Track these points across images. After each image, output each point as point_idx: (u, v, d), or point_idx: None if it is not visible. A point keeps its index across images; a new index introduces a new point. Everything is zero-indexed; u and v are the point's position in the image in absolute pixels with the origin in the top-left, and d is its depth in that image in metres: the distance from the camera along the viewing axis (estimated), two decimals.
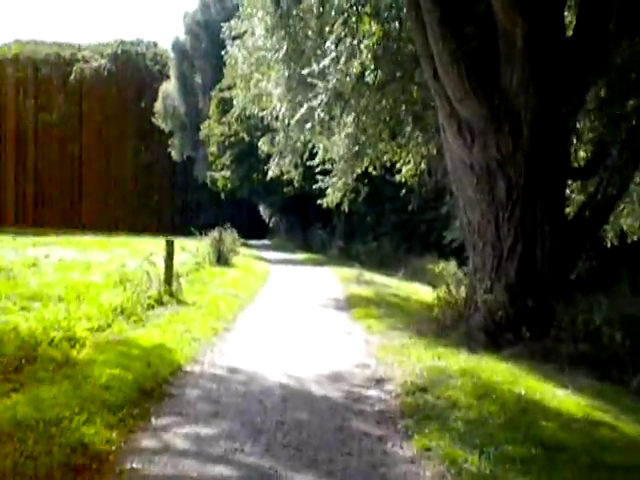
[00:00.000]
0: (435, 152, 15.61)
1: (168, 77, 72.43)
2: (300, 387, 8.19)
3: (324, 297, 18.18)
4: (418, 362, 9.27)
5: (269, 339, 11.33)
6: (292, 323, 13.26)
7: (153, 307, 13.79)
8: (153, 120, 70.35)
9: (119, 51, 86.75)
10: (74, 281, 15.81)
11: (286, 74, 16.21)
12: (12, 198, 79.22)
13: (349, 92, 15.04)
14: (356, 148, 18.27)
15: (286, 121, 18.30)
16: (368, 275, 24.19)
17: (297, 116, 16.83)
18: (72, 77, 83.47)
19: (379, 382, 8.47)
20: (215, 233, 26.09)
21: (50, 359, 8.23)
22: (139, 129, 79.98)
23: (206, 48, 64.38)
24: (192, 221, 38.08)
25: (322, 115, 15.62)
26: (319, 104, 15.14)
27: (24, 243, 32.42)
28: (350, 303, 17.00)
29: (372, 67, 14.68)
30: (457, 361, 9.28)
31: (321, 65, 14.41)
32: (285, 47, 15.56)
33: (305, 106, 15.52)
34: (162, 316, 12.79)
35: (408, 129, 16.12)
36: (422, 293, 21.31)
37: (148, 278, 15.16)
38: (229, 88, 35.99)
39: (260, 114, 20.29)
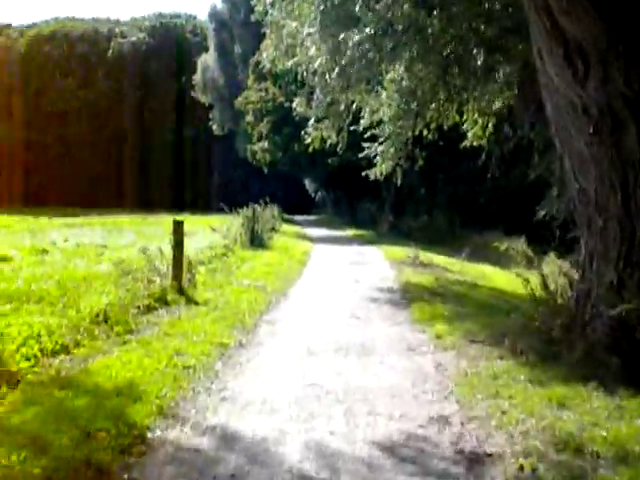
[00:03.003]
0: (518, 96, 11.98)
1: (208, 50, 69.71)
2: None
3: (374, 287, 14.76)
4: (529, 415, 5.77)
5: (296, 365, 7.88)
6: (331, 332, 9.79)
7: (154, 309, 10.66)
8: (193, 94, 67.93)
9: (157, 25, 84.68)
10: (73, 272, 13.12)
11: (321, 7, 12.74)
12: (55, 177, 77.20)
13: (403, 18, 11.41)
14: (412, 105, 14.85)
15: (325, 75, 14.90)
16: (424, 255, 20.71)
17: (337, 63, 13.46)
18: (110, 53, 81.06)
19: (473, 464, 4.92)
20: (248, 211, 22.78)
21: None
22: (180, 103, 77.54)
23: (245, 16, 61.00)
24: (236, 197, 35.52)
25: (369, 55, 12.11)
26: (364, 39, 11.62)
27: (56, 224, 31.63)
28: (407, 295, 13.53)
29: None
30: (596, 415, 5.76)
31: None
32: None
33: (347, 44, 12.01)
34: (159, 324, 9.65)
35: (479, 64, 12.39)
36: (493, 278, 17.91)
37: (150, 270, 12.15)
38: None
39: (295, 70, 16.93)
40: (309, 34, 14.02)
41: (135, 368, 7.07)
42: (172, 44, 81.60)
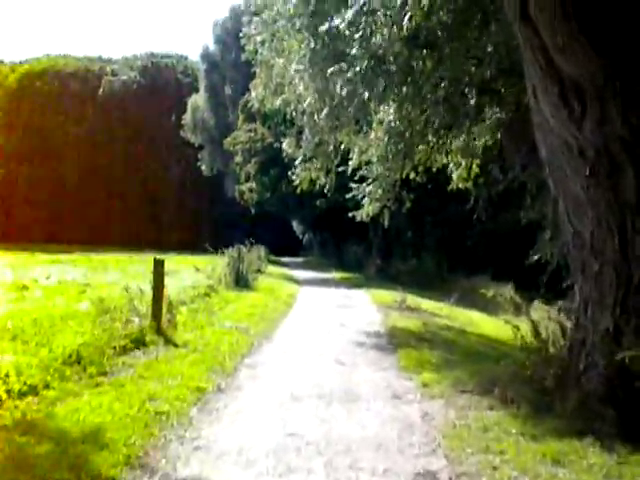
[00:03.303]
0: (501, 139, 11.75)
1: (198, 90, 69.91)
2: None
3: (361, 331, 14.36)
4: (522, 472, 5.40)
5: (277, 411, 7.44)
6: (315, 377, 9.37)
7: (131, 349, 10.24)
8: (182, 134, 67.92)
9: (149, 64, 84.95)
10: (51, 310, 12.84)
11: (311, 44, 12.54)
12: (40, 215, 76.59)
13: (395, 56, 11.17)
14: (400, 146, 14.64)
15: (314, 115, 14.70)
16: (411, 299, 20.36)
17: (326, 102, 13.27)
18: (101, 91, 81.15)
19: None
20: (233, 251, 22.43)
21: None
22: (169, 143, 77.32)
23: (236, 57, 61.36)
24: (223, 238, 35.25)
25: (359, 93, 11.87)
26: (354, 77, 11.38)
27: (41, 260, 31.28)
28: (394, 340, 13.14)
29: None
30: (593, 474, 5.38)
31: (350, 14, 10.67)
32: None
33: (336, 82, 11.77)
34: (135, 365, 9.22)
35: (470, 105, 12.16)
36: (481, 324, 17.58)
37: (129, 310, 11.78)
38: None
39: (284, 110, 16.76)
40: (298, 72, 13.84)
41: (105, 413, 6.66)
42: (163, 84, 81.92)
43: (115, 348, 9.97)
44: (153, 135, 78.88)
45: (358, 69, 11.36)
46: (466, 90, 12.17)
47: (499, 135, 13.41)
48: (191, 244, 61.73)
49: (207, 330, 12.66)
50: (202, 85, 68.51)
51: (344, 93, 12.41)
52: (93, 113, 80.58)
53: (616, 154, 7.29)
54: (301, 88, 14.19)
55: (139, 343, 10.66)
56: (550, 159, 8.17)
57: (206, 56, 68.95)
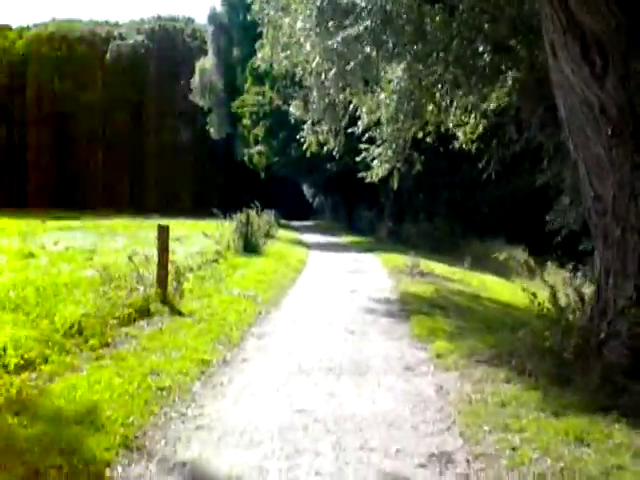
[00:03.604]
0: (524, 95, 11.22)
1: (206, 53, 69.02)
2: None
3: (372, 297, 14.03)
4: (544, 453, 5.04)
5: (284, 386, 7.11)
6: (324, 348, 9.04)
7: (135, 319, 9.91)
8: (190, 97, 67.22)
9: (156, 27, 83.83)
10: (56, 278, 12.41)
11: (317, 1, 12.04)
12: (51, 180, 76.33)
13: (405, 11, 10.65)
14: (410, 105, 14.19)
15: (321, 75, 14.22)
16: (423, 263, 19.97)
17: (334, 62, 12.79)
18: (108, 55, 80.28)
19: None
20: (241, 215, 22.04)
21: None
22: (178, 107, 76.42)
23: (244, 19, 60.39)
24: (233, 202, 34.83)
25: (367, 52, 11.38)
26: (362, 34, 10.88)
27: (50, 227, 31.01)
28: (406, 307, 12.81)
29: None
30: (620, 456, 5.00)
31: None
32: None
33: (341, 35, 11.26)
34: (138, 337, 8.92)
35: (485, 64, 11.63)
36: (495, 289, 17.22)
37: (135, 277, 11.45)
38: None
39: (291, 71, 16.30)
40: (304, 30, 13.33)
41: (103, 389, 6.36)
42: (171, 47, 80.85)
43: (119, 318, 9.68)
44: (162, 99, 77.95)
45: (366, 25, 10.85)
46: (480, 49, 11.63)
47: (514, 96, 12.95)
48: (201, 209, 61.55)
49: (214, 298, 12.35)
50: (210, 48, 67.38)
51: (352, 51, 11.93)
52: (101, 77, 79.64)
53: None
54: (308, 47, 13.67)
55: (144, 313, 10.36)
56: (570, 119, 7.72)
57: (213, 18, 67.80)
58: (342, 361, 8.27)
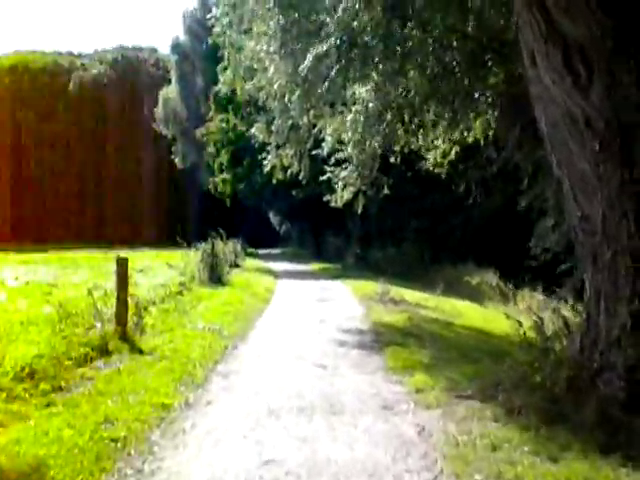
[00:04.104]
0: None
1: (170, 82, 68.69)
2: None
3: (342, 328, 13.42)
4: None
5: (252, 431, 6.43)
6: (295, 385, 8.39)
7: (91, 360, 9.24)
8: (154, 126, 66.67)
9: (119, 58, 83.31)
10: (12, 315, 11.82)
11: (281, 21, 11.54)
12: (14, 213, 74.99)
13: (372, 26, 10.14)
14: (378, 126, 13.77)
15: (285, 97, 13.74)
16: (394, 290, 19.44)
17: (298, 84, 12.30)
18: (71, 86, 79.47)
19: None
20: (206, 245, 21.41)
21: None
22: (142, 137, 75.78)
23: (207, 48, 60.27)
24: (199, 232, 34.20)
25: (333, 70, 10.87)
26: (327, 52, 10.37)
27: (12, 260, 30.17)
28: (379, 338, 12.21)
29: None
30: None
31: None
32: None
33: (309, 57, 10.73)
34: (94, 379, 8.24)
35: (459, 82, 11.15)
36: (469, 315, 16.74)
37: (94, 313, 10.81)
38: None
39: (254, 94, 15.78)
40: (268, 53, 12.85)
41: (51, 442, 5.70)
42: (134, 77, 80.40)
43: (74, 358, 9.00)
44: (125, 129, 77.33)
45: (331, 43, 10.34)
46: (453, 64, 11.18)
47: (489, 115, 12.55)
48: (167, 239, 60.78)
49: (178, 332, 11.69)
50: (173, 77, 67.28)
51: (317, 73, 11.43)
52: (64, 109, 78.78)
53: (629, 124, 6.40)
54: (271, 70, 13.19)
55: (102, 351, 9.67)
56: (552, 134, 7.25)
57: (177, 47, 67.72)
58: (314, 399, 7.64)
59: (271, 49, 12.83)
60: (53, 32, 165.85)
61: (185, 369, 8.98)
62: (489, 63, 10.84)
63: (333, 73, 11.02)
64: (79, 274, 21.66)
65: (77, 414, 6.61)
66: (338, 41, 10.30)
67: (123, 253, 29.69)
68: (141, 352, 9.88)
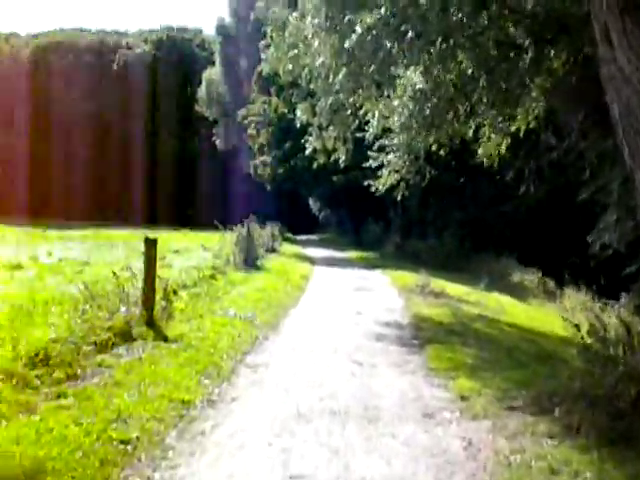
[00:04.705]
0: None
1: (214, 64, 68.34)
2: None
3: (380, 321, 12.76)
4: None
5: (278, 437, 5.79)
6: (328, 384, 7.73)
7: (113, 346, 8.67)
8: (197, 108, 66.41)
9: (164, 37, 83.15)
10: (37, 294, 11.20)
11: None
12: (60, 189, 75.23)
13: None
14: (426, 113, 13.02)
15: (330, 77, 13.02)
16: (434, 282, 18.72)
17: (345, 61, 11.59)
18: (116, 65, 79.53)
19: None
20: (242, 228, 20.83)
21: None
22: (185, 117, 75.99)
23: (252, 30, 59.80)
24: (238, 214, 33.86)
25: (382, 45, 10.08)
26: (375, 25, 9.60)
27: (50, 237, 30.52)
28: (419, 333, 11.49)
29: None
30: None
31: None
32: None
33: (357, 30, 9.97)
34: (115, 367, 7.70)
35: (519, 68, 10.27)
36: (513, 312, 15.96)
37: (118, 296, 10.25)
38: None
39: (298, 74, 15.04)
40: (313, 26, 12.14)
41: (54, 442, 5.13)
42: (179, 57, 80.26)
43: (95, 344, 8.46)
44: (168, 110, 77.13)
45: (382, 14, 9.56)
46: (510, 47, 10.31)
47: (541, 102, 11.71)
48: (207, 221, 60.55)
49: (207, 319, 11.11)
50: (217, 59, 67.24)
51: (365, 49, 10.69)
52: (108, 87, 78.80)
53: None
54: (316, 45, 12.48)
55: (125, 337, 9.12)
56: (625, 120, 6.43)
57: (221, 29, 67.54)
58: (348, 402, 6.97)
59: (316, 22, 12.14)
60: (98, 10, 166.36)
61: (211, 360, 8.40)
62: (549, 44, 9.95)
63: (382, 48, 10.24)
64: (115, 253, 21.28)
65: (88, 408, 6.04)
66: (390, 10, 9.49)
67: (163, 233, 29.68)
68: (166, 339, 9.30)
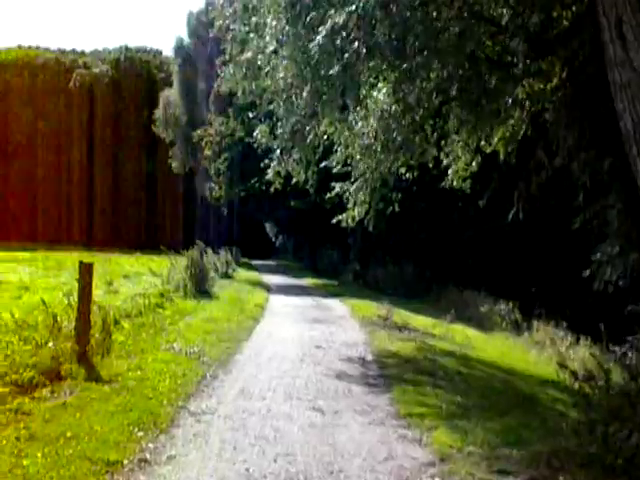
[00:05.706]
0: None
1: (172, 85, 67.38)
2: None
3: (342, 356, 11.72)
4: None
5: None
6: (283, 438, 6.55)
7: (36, 386, 7.51)
8: (154, 129, 65.27)
9: (122, 58, 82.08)
10: None
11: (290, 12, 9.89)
12: (12, 211, 73.39)
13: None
14: (393, 135, 12.21)
15: (293, 97, 12.09)
16: (397, 313, 17.83)
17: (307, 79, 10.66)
18: (72, 84, 78.04)
19: None
20: (193, 252, 19.65)
21: None
22: (141, 139, 74.73)
23: (211, 51, 59.12)
24: (193, 239, 32.81)
25: (352, 47, 9.05)
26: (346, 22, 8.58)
27: None
28: (385, 372, 10.44)
29: None
30: None
31: None
32: None
33: (322, 31, 8.97)
34: (33, 415, 6.51)
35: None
36: (483, 347, 15.07)
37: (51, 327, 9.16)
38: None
39: (257, 93, 14.00)
40: (274, 44, 11.24)
41: None
42: (137, 78, 79.41)
43: (13, 384, 7.27)
44: (124, 131, 76.23)
45: (351, 10, 8.54)
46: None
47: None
48: (160, 245, 59.27)
49: (149, 355, 9.92)
50: (175, 79, 66.07)
51: (329, 58, 9.69)
52: (65, 107, 77.39)
53: None
54: (278, 64, 11.57)
55: (51, 376, 7.93)
56: (637, 131, 5.49)
57: (180, 50, 66.65)
58: (308, 463, 5.81)
59: (279, 37, 11.25)
60: (55, 29, 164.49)
61: (148, 405, 7.23)
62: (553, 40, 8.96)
63: (346, 57, 9.24)
64: (60, 276, 20.14)
65: None
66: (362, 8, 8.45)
67: (120, 256, 28.30)
68: (98, 380, 8.10)
